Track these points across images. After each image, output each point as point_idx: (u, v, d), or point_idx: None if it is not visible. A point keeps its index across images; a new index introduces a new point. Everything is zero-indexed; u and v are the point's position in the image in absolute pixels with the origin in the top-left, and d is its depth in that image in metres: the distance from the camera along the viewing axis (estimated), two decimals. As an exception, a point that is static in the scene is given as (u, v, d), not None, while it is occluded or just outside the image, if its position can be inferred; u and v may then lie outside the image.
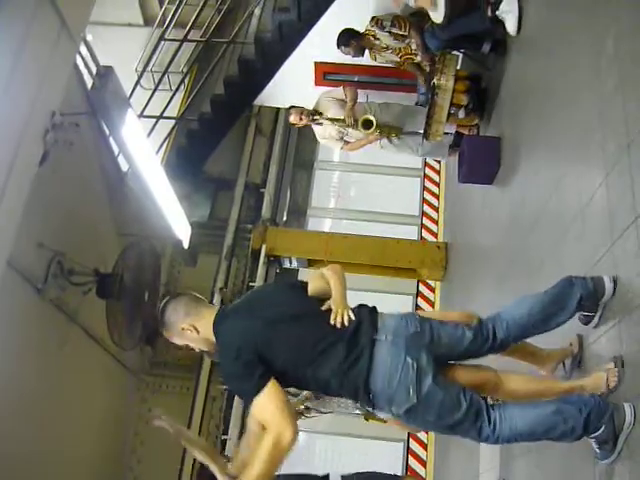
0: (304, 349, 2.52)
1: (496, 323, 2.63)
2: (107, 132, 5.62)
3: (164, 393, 8.02)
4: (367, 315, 2.59)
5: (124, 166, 6.14)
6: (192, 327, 2.68)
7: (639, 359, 2.40)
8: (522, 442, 2.60)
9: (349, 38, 5.96)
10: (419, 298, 9.08)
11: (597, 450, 2.49)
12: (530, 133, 4.34)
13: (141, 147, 5.68)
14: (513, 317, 2.65)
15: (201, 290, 8.56)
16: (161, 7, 8.51)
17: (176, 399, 8.00)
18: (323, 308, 2.60)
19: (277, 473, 3.47)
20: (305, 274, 9.13)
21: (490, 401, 2.58)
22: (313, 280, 2.76)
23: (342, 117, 6.16)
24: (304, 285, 2.76)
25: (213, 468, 2.63)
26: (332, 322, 2.52)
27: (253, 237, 8.28)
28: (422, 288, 9.03)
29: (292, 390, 4.48)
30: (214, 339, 2.65)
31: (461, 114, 5.87)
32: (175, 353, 8.27)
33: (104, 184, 5.96)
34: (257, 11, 6.98)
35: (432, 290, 8.89)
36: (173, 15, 6.86)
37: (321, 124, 6.31)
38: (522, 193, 4.37)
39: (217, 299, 8.22)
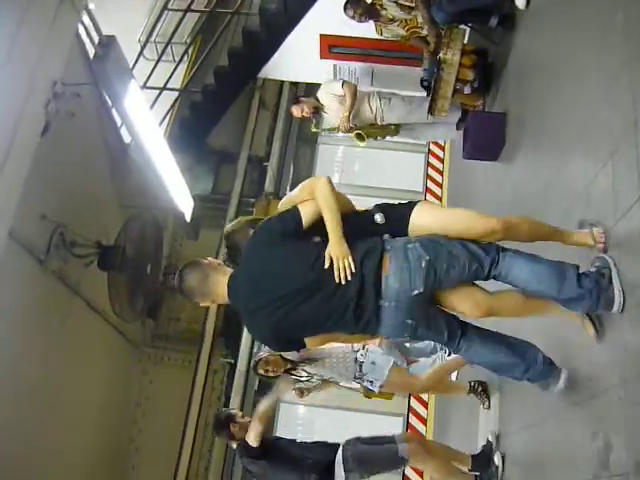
0: (314, 324, 2.66)
1: (499, 274, 2.67)
2: (109, 103, 5.58)
3: (166, 365, 8.09)
4: (370, 274, 2.55)
5: (127, 138, 6.10)
6: (210, 292, 2.75)
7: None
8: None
9: (355, 2, 5.88)
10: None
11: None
12: (536, 109, 4.29)
13: (144, 119, 5.64)
14: (516, 282, 2.71)
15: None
16: (165, -24, 8.38)
17: (178, 371, 8.07)
18: (326, 266, 2.55)
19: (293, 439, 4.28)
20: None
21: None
22: (306, 212, 2.68)
23: (337, 125, 6.19)
24: (298, 225, 2.68)
25: None
26: (337, 280, 2.53)
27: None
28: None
29: (303, 375, 4.54)
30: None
31: (467, 90, 5.79)
32: (177, 326, 8.33)
33: (106, 156, 5.94)
34: (262, -18, 6.87)
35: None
36: (177, -15, 6.78)
37: (322, 115, 6.35)
38: (527, 170, 4.34)
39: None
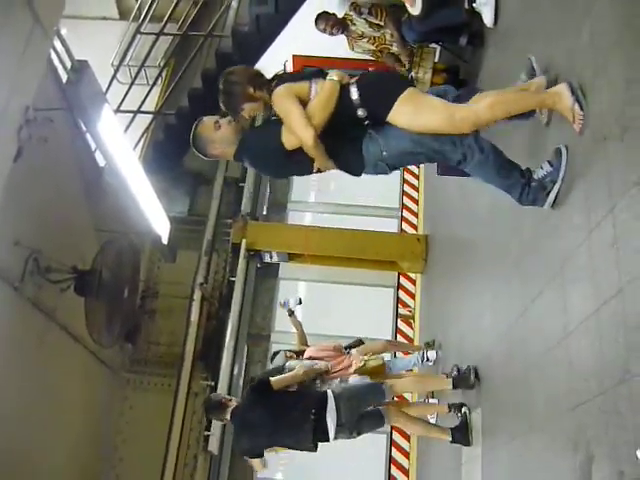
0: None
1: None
2: (83, 127, 5.56)
3: (145, 390, 7.99)
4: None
5: (101, 161, 6.08)
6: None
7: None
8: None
9: (328, 14, 5.98)
10: (400, 290, 9.11)
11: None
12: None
13: (118, 142, 5.62)
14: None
15: (182, 285, 8.57)
16: (137, 0, 8.42)
17: (158, 396, 7.97)
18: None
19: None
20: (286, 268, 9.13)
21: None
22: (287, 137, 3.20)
23: None
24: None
25: None
26: None
27: (233, 232, 8.25)
28: (403, 280, 9.05)
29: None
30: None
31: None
32: (156, 350, 8.25)
33: (81, 180, 5.91)
34: (234, 4, 6.93)
35: (413, 282, 8.92)
36: (149, 8, 6.79)
37: None
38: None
39: (197, 294, 8.19)
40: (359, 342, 6.31)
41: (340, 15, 5.99)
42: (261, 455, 4.77)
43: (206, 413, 5.28)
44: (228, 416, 4.62)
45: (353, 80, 3.22)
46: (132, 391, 7.91)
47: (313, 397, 4.56)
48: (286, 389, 4.61)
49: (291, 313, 6.22)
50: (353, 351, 6.02)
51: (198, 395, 8.01)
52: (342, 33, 6.02)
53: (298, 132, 3.08)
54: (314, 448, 4.46)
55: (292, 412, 4.43)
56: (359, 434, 4.57)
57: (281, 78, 3.34)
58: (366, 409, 4.59)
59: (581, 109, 2.81)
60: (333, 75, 3.20)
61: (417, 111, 3.09)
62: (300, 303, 6.30)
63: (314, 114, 3.11)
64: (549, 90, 3.05)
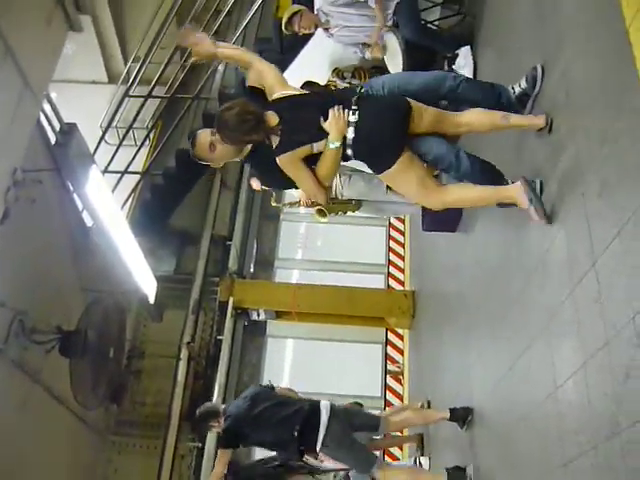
0: None
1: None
2: (71, 188, 5.60)
3: (131, 452, 7.80)
4: None
5: (89, 221, 6.10)
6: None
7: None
8: None
9: (312, 85, 6.08)
10: (388, 346, 9.07)
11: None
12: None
13: (105, 203, 5.66)
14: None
15: (168, 345, 8.48)
16: (125, 65, 8.60)
17: (143, 458, 7.78)
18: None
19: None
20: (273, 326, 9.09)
21: None
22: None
23: (297, 200, 6.28)
24: None
25: None
26: None
27: (220, 290, 8.24)
28: (391, 336, 9.03)
29: None
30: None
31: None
32: (142, 410, 8.10)
33: (68, 240, 5.90)
34: (220, 67, 7.09)
35: (401, 338, 8.90)
36: (137, 72, 6.94)
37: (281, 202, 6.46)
38: (485, 239, 4.45)
39: (184, 354, 8.11)
40: (356, 405, 6.16)
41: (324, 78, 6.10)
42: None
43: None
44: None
45: (350, 132, 3.27)
46: (117, 454, 7.72)
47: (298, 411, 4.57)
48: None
49: None
50: None
51: (185, 457, 7.84)
52: None
53: (312, 195, 3.42)
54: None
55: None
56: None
57: (279, 102, 3.41)
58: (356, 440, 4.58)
59: (537, 212, 3.00)
60: (335, 142, 3.23)
61: (399, 184, 3.45)
62: None
63: (323, 179, 3.30)
64: (509, 187, 3.23)
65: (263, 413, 4.66)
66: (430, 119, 3.33)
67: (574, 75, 2.92)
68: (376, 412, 6.00)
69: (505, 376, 3.61)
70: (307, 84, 6.05)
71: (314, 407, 4.57)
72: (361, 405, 6.19)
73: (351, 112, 3.25)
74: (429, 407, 6.01)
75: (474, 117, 3.41)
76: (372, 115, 3.27)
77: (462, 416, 4.48)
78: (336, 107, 3.23)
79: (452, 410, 4.57)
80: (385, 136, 3.26)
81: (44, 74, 3.92)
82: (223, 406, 4.94)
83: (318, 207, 6.22)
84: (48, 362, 5.23)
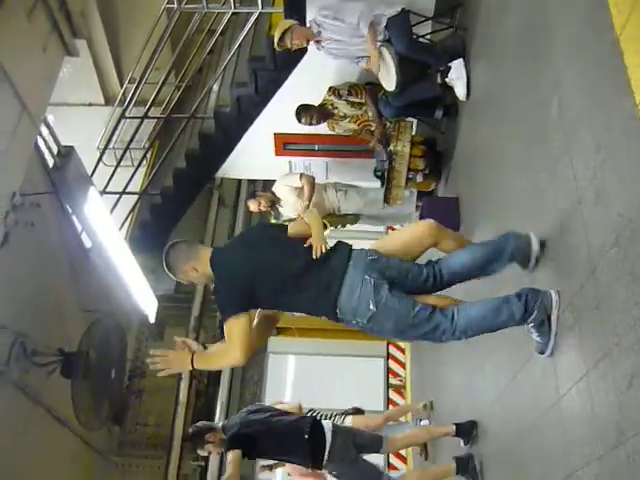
0: (287, 279, 3.06)
1: (442, 266, 3.12)
2: (70, 210, 5.62)
3: (134, 473, 7.76)
4: (340, 251, 3.12)
5: (88, 242, 6.11)
6: (193, 268, 3.20)
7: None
8: (475, 332, 3.03)
9: (308, 106, 6.11)
10: (390, 360, 9.05)
11: (537, 339, 2.92)
12: (484, 193, 4.47)
13: (104, 223, 5.68)
14: (460, 262, 3.15)
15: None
16: (121, 86, 8.65)
17: (147, 478, 7.75)
18: (306, 245, 3.12)
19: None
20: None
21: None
22: (292, 226, 3.32)
23: (296, 216, 6.24)
24: (284, 228, 3.30)
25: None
26: (314, 256, 3.06)
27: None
28: (393, 350, 9.02)
29: None
30: (212, 273, 3.16)
31: (419, 178, 6.02)
32: (144, 431, 8.07)
33: (67, 261, 5.91)
34: (215, 87, 7.14)
35: (402, 351, 8.88)
36: (133, 94, 6.98)
37: (279, 209, 6.47)
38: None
39: (186, 373, 8.08)
40: (356, 411, 6.18)
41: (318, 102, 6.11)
42: None
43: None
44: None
45: None
46: (120, 475, 7.68)
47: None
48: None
49: None
50: (347, 420, 5.92)
51: (188, 477, 7.80)
52: (325, 121, 6.18)
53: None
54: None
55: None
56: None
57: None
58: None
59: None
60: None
61: None
62: None
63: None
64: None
65: (270, 418, 4.64)
66: None
67: (566, 84, 2.95)
68: (379, 415, 6.07)
69: (508, 386, 3.61)
70: (303, 109, 6.09)
71: (317, 421, 4.57)
72: (362, 412, 6.20)
73: None
74: (432, 408, 6.02)
75: None
76: None
77: (468, 431, 4.47)
78: None
79: (458, 425, 4.56)
80: None
81: (41, 98, 3.95)
82: (221, 423, 4.92)
83: None
84: (50, 384, 5.22)
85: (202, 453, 4.81)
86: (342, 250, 3.14)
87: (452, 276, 3.14)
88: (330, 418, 5.96)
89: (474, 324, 2.98)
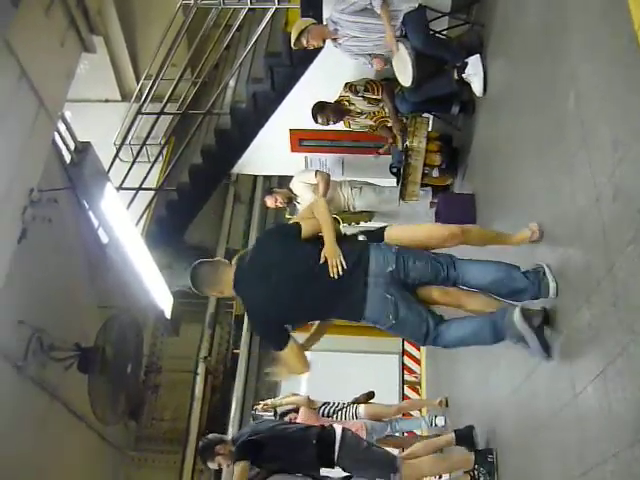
0: (313, 306, 3.28)
1: (458, 276, 3.26)
2: (86, 206, 5.66)
3: (150, 467, 7.83)
4: (357, 262, 3.20)
5: (104, 238, 6.15)
6: (219, 292, 3.48)
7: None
8: (454, 346, 3.34)
9: (324, 104, 6.09)
10: (405, 356, 9.03)
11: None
12: (501, 189, 4.44)
13: (120, 219, 5.72)
14: (474, 281, 3.30)
15: (185, 359, 8.52)
16: (137, 82, 8.70)
17: (163, 473, 7.81)
18: (321, 262, 3.18)
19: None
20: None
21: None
22: (305, 225, 3.35)
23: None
24: (297, 232, 3.32)
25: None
26: (331, 275, 3.15)
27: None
28: (408, 347, 8.99)
29: None
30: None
31: (435, 173, 5.99)
32: (160, 426, 8.12)
33: (84, 257, 5.96)
34: (232, 82, 7.15)
35: (418, 348, 8.86)
36: (150, 90, 7.01)
37: (296, 206, 6.48)
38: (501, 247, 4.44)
39: (202, 368, 8.14)
40: (369, 395, 6.17)
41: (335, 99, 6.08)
42: None
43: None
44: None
45: None
46: (137, 469, 7.75)
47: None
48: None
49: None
50: (360, 409, 5.90)
51: (203, 472, 7.84)
52: (341, 120, 6.16)
53: None
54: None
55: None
56: None
57: None
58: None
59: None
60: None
61: None
62: None
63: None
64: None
65: (277, 426, 4.75)
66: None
67: (582, 79, 2.92)
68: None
69: (523, 383, 3.59)
70: (319, 108, 6.07)
71: (326, 428, 4.60)
72: (373, 395, 6.22)
73: None
74: (447, 405, 6.01)
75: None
76: None
77: (467, 437, 4.47)
78: None
79: (457, 433, 4.58)
80: None
81: (58, 95, 3.98)
82: (231, 436, 4.95)
83: (332, 216, 6.24)
84: (67, 379, 5.28)
85: (212, 466, 4.70)
86: (360, 260, 3.21)
87: (463, 284, 3.35)
88: (343, 409, 5.98)
89: (455, 342, 3.28)
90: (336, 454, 4.35)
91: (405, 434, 6.64)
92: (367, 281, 3.16)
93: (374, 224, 7.15)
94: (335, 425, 4.62)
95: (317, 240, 3.28)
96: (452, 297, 3.37)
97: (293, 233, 3.34)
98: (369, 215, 6.57)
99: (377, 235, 3.47)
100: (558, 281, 3.06)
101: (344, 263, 3.16)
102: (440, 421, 5.93)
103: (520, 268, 3.22)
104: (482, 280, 3.28)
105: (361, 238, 3.47)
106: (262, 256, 3.37)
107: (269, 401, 5.65)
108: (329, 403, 6.14)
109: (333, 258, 3.17)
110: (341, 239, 3.33)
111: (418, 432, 6.45)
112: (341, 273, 3.15)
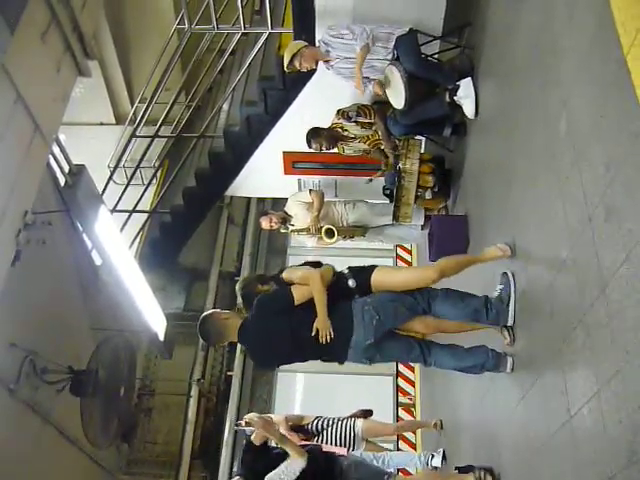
0: (304, 356, 3.94)
1: (433, 310, 3.82)
2: (80, 228, 5.65)
3: (142, 492, 7.75)
4: (342, 332, 3.71)
5: (98, 260, 6.14)
6: (228, 343, 4.30)
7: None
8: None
9: (318, 130, 6.12)
10: (399, 378, 8.99)
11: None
12: (493, 209, 4.47)
13: (114, 242, 5.71)
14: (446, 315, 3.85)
15: (178, 382, 8.46)
16: (132, 106, 8.75)
17: (155, 498, 7.72)
18: (313, 334, 3.67)
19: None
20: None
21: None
22: (297, 294, 3.76)
23: (306, 226, 6.37)
24: (291, 302, 3.75)
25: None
26: (321, 341, 3.68)
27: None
28: (402, 368, 8.96)
29: None
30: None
31: (428, 195, 6.03)
32: (153, 449, 8.05)
33: (77, 279, 5.94)
34: (225, 106, 7.20)
35: (412, 370, 8.83)
36: (144, 113, 7.05)
37: (290, 228, 6.51)
38: (492, 269, 4.46)
39: (195, 391, 8.09)
40: (366, 413, 6.08)
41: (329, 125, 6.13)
42: None
43: None
44: None
45: None
46: (129, 494, 7.66)
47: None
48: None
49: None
50: (358, 424, 5.82)
51: (196, 496, 7.77)
52: (335, 147, 6.21)
53: None
54: None
55: None
56: None
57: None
58: None
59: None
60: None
61: None
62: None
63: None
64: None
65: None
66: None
67: (573, 102, 2.96)
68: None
69: (519, 405, 3.59)
70: (312, 133, 6.10)
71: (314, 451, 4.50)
72: (371, 413, 6.14)
73: None
74: (442, 427, 5.94)
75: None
76: None
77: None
78: None
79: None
80: None
81: (54, 118, 3.99)
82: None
83: (327, 227, 6.26)
84: (59, 402, 5.23)
85: None
86: (344, 330, 3.70)
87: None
88: (336, 424, 5.90)
89: (442, 367, 3.91)
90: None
91: (399, 472, 6.36)
92: (348, 349, 3.76)
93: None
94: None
95: (309, 307, 3.71)
96: (432, 326, 3.93)
97: (286, 306, 3.78)
98: (363, 230, 6.59)
99: (366, 273, 3.93)
100: (546, 303, 3.19)
101: (332, 333, 3.66)
102: (436, 462, 5.73)
103: (487, 298, 3.79)
104: (454, 318, 3.86)
105: (351, 284, 3.89)
106: (261, 324, 3.82)
107: (247, 416, 5.41)
108: (321, 417, 6.07)
109: (324, 330, 3.67)
110: (332, 286, 3.84)
111: (412, 471, 6.23)
112: (328, 340, 3.67)
